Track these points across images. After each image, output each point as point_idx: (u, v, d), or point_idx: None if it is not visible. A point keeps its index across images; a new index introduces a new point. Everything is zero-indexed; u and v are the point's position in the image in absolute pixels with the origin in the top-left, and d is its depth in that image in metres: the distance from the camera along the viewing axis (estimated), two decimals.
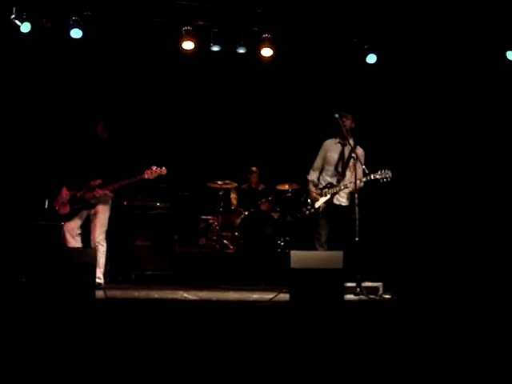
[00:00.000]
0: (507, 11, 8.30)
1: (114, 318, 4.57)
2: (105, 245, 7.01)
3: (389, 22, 8.74)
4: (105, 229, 7.03)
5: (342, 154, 7.09)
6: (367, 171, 6.77)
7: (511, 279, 6.96)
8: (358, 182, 6.65)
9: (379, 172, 6.78)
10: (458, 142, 9.29)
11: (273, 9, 8.56)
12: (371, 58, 9.06)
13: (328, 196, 6.98)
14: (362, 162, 6.88)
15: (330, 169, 7.10)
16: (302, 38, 8.88)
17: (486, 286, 6.88)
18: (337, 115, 6.85)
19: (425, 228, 8.50)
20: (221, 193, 9.48)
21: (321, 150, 7.20)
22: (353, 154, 6.88)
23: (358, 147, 7.02)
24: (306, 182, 7.25)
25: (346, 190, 6.96)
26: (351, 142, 6.97)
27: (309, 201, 7.06)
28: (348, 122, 7.01)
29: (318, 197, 7.01)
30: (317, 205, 7.00)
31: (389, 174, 6.76)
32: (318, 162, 7.19)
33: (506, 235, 8.16)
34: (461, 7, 8.32)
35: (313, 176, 7.19)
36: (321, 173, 7.18)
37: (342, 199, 7.04)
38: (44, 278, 4.97)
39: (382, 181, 6.77)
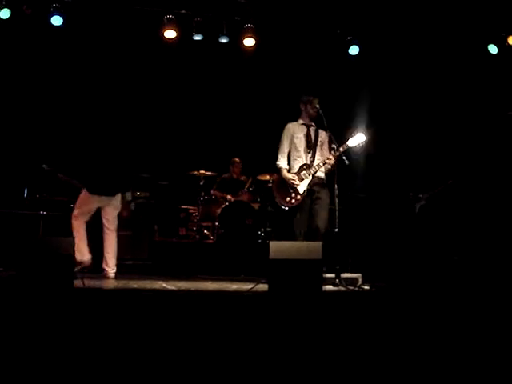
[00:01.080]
0: (491, 4, 8.36)
1: (92, 308, 4.54)
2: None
3: (372, 14, 8.75)
4: None
5: (308, 134, 7.00)
6: (334, 146, 6.73)
7: (492, 272, 7.01)
8: (332, 158, 6.67)
9: (350, 139, 6.77)
10: (439, 131, 9.38)
11: None
12: (353, 50, 9.07)
13: (310, 177, 6.84)
14: (329, 142, 6.87)
15: (300, 150, 6.95)
16: (284, 28, 8.86)
17: (467, 277, 6.93)
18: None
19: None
20: (201, 183, 9.45)
21: (285, 134, 7.03)
22: (319, 137, 6.94)
23: (321, 131, 6.99)
24: (278, 169, 7.04)
25: (323, 169, 6.88)
26: (313, 124, 7.00)
27: (290, 189, 6.84)
28: (316, 107, 6.91)
29: (298, 182, 6.82)
30: (301, 190, 6.82)
31: (362, 136, 6.77)
32: (285, 147, 6.99)
33: (485, 224, 8.22)
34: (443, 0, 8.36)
35: (284, 162, 6.97)
36: (289, 157, 7.02)
37: (319, 173, 6.93)
38: (21, 267, 4.93)
39: (358, 146, 6.78)
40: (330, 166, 6.78)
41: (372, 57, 9.31)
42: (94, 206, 7.25)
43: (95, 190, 7.19)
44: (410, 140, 9.60)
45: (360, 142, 6.78)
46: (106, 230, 7.30)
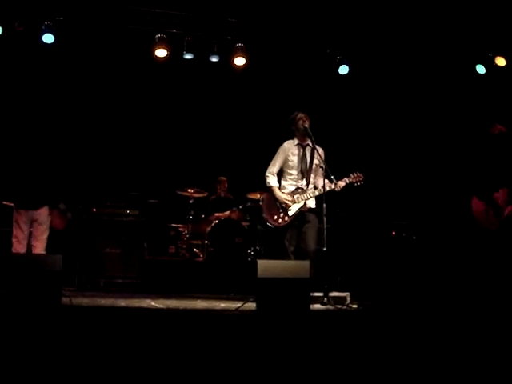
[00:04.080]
0: (479, 25, 8.46)
1: (79, 325, 4.53)
2: None
3: (362, 34, 8.84)
4: None
5: (303, 155, 6.86)
6: (333, 177, 6.64)
7: (475, 288, 7.03)
8: (327, 187, 6.58)
9: (351, 175, 6.77)
10: (429, 149, 9.45)
11: (246, 18, 8.60)
12: (343, 69, 9.13)
13: (302, 202, 6.73)
14: (323, 160, 6.69)
15: (293, 173, 6.84)
16: (274, 47, 8.93)
17: (453, 295, 6.94)
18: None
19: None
20: (191, 201, 9.46)
21: (280, 153, 6.89)
22: (315, 158, 6.80)
23: (318, 149, 6.78)
24: (268, 189, 6.91)
25: (317, 193, 6.76)
26: (309, 142, 6.84)
27: (280, 209, 6.74)
28: (307, 123, 6.77)
29: (290, 203, 6.72)
30: (291, 212, 6.73)
31: (361, 177, 6.77)
32: (277, 166, 6.86)
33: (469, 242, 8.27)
34: (432, 21, 8.45)
35: (274, 181, 6.85)
36: (281, 176, 6.92)
37: (310, 202, 6.81)
38: (8, 284, 4.90)
39: (356, 184, 6.77)
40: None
41: (362, 76, 9.39)
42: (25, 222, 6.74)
43: (21, 205, 6.71)
44: (400, 160, 9.66)
45: (359, 180, 6.78)
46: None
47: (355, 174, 6.79)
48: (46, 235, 6.77)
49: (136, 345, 4.30)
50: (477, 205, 7.77)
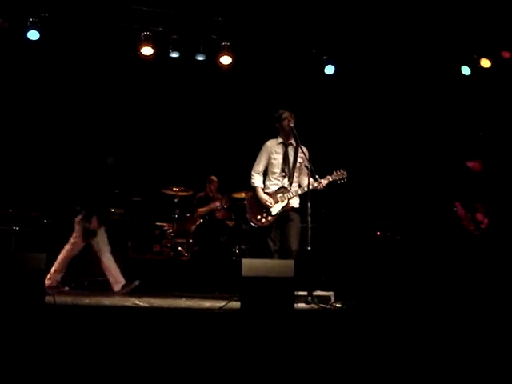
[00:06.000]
0: (464, 26, 8.51)
1: (62, 324, 4.51)
2: None
3: (347, 35, 8.87)
4: None
5: (286, 154, 6.86)
6: (317, 176, 6.66)
7: (460, 287, 7.08)
8: (315, 184, 6.60)
9: (334, 173, 6.78)
10: (413, 149, 9.50)
11: (232, 17, 8.60)
12: (329, 69, 9.15)
13: (285, 201, 6.73)
14: (308, 159, 6.72)
15: (276, 172, 6.84)
16: (260, 47, 8.93)
17: (437, 295, 6.98)
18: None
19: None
20: (176, 200, 9.43)
21: (263, 152, 6.89)
22: (299, 157, 6.81)
23: (302, 148, 6.81)
24: (253, 188, 6.90)
25: (300, 192, 6.76)
26: (293, 141, 6.86)
27: (263, 209, 6.73)
28: (292, 122, 6.76)
29: (273, 203, 6.72)
30: (274, 211, 6.71)
31: (344, 174, 6.78)
32: (261, 165, 6.86)
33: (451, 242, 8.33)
34: (418, 22, 8.50)
35: (259, 181, 6.85)
36: (265, 176, 6.91)
37: (293, 202, 6.82)
38: None
39: (339, 182, 6.78)
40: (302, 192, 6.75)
41: (348, 76, 9.42)
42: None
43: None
44: (384, 160, 9.71)
45: (342, 178, 6.79)
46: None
47: (338, 172, 6.80)
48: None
49: (120, 344, 4.29)
50: (460, 209, 7.89)
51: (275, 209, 6.75)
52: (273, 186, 6.86)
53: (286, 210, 6.77)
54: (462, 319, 5.19)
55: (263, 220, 6.75)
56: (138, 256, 9.19)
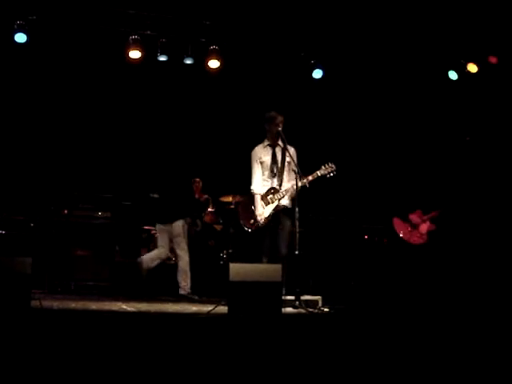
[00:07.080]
0: (451, 31, 8.56)
1: (48, 328, 4.47)
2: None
3: (335, 39, 8.89)
4: None
5: (274, 155, 6.93)
6: (301, 174, 6.60)
7: (448, 290, 7.12)
8: (299, 183, 6.55)
9: (323, 167, 6.77)
10: (400, 153, 9.54)
11: (221, 21, 8.60)
12: (317, 73, 9.17)
13: (276, 202, 6.79)
14: (295, 161, 6.74)
15: (266, 173, 6.91)
16: (249, 51, 8.93)
17: (425, 297, 7.01)
18: None
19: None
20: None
21: (253, 159, 6.97)
22: (287, 157, 6.82)
23: (289, 146, 6.86)
24: (244, 191, 7.02)
25: (289, 194, 6.80)
26: (280, 143, 6.89)
27: (257, 212, 6.79)
28: (281, 125, 6.79)
29: (263, 206, 6.80)
30: (266, 214, 6.78)
31: (333, 167, 6.77)
32: (257, 171, 6.94)
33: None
34: (405, 27, 8.54)
35: (258, 188, 6.90)
36: None
37: (284, 201, 6.85)
38: None
39: (328, 176, 6.77)
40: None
41: (336, 80, 9.45)
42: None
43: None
44: (372, 164, 9.73)
45: (331, 171, 6.78)
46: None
47: (327, 165, 6.80)
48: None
49: (107, 348, 4.26)
50: (398, 224, 8.01)
51: (266, 211, 6.81)
52: (263, 188, 6.90)
53: (278, 210, 6.81)
54: (450, 322, 5.21)
55: (256, 224, 6.80)
56: (124, 260, 9.15)
